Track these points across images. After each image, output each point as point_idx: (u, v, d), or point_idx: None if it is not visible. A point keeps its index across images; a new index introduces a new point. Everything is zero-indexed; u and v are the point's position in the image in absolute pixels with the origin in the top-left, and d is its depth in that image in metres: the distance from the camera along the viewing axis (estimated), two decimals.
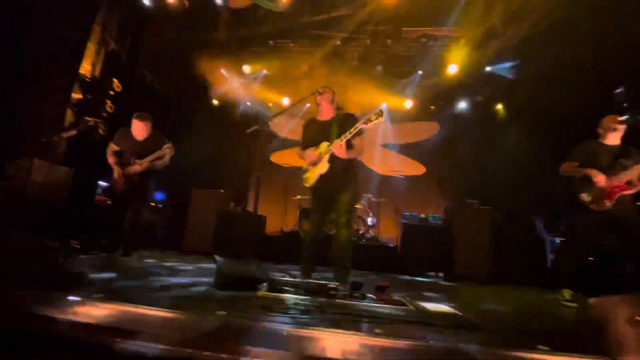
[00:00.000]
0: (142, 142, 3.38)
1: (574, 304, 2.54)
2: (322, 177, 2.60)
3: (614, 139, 2.71)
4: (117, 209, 3.39)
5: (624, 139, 2.70)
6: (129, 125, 3.44)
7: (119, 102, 4.79)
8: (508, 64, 5.76)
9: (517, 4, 4.77)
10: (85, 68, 4.59)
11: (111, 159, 3.39)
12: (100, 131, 4.32)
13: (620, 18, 4.10)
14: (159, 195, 6.14)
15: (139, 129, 3.38)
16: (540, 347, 1.33)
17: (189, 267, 3.13)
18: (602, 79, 4.47)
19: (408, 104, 7.02)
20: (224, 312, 1.38)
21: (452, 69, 6.00)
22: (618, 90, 3.79)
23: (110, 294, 1.52)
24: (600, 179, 2.57)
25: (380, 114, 2.45)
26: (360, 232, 5.77)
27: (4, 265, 1.36)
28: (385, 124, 7.55)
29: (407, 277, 4.17)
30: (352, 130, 2.49)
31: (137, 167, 3.27)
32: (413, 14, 5.42)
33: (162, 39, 5.99)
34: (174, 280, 2.22)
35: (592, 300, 1.33)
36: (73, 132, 3.23)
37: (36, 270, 1.46)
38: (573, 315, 2.18)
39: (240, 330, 1.23)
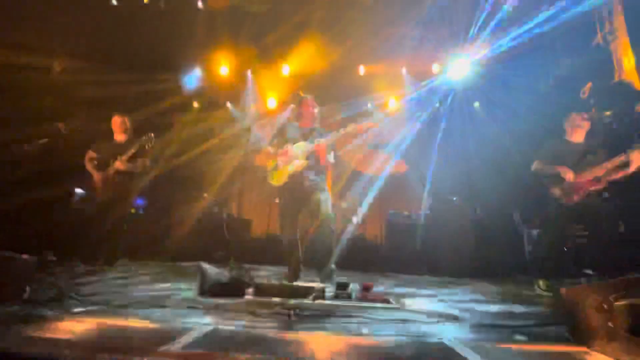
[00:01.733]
0: (122, 145, 3.32)
1: (549, 293, 2.67)
2: (294, 176, 2.57)
3: (578, 136, 2.88)
4: (96, 218, 3.29)
5: (588, 135, 2.87)
6: (105, 131, 3.39)
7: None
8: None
9: None
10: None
11: (89, 165, 3.32)
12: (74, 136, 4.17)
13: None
14: (139, 201, 5.98)
15: (120, 126, 3.35)
16: (518, 337, 1.39)
17: (173, 275, 3.07)
18: (571, 76, 4.70)
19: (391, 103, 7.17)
20: (210, 320, 1.37)
21: (435, 68, 6.20)
22: (584, 88, 3.97)
23: (91, 307, 1.48)
24: (569, 176, 2.75)
25: (375, 123, 2.57)
26: (346, 231, 5.81)
27: None
28: (367, 123, 7.64)
29: (392, 275, 4.23)
30: (342, 130, 2.53)
31: (117, 164, 3.18)
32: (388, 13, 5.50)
33: (138, 37, 5.83)
34: (158, 289, 2.17)
35: (563, 290, 1.40)
36: (44, 140, 3.13)
37: (11, 287, 1.41)
38: (549, 305, 2.28)
39: (227, 337, 1.22)
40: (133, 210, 5.58)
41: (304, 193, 2.62)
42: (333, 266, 2.58)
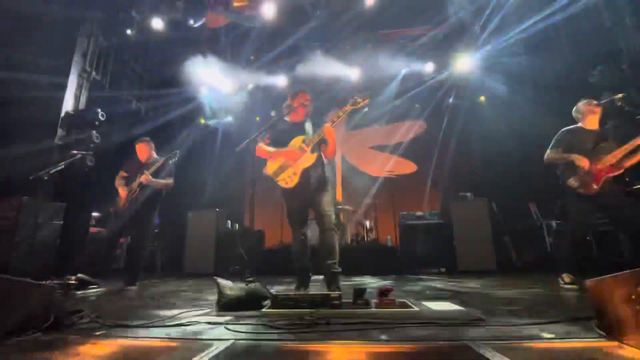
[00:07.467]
0: (147, 163, 3.47)
1: (575, 287, 2.58)
2: (305, 173, 2.41)
3: (592, 122, 2.78)
4: (116, 237, 3.41)
5: (601, 121, 2.77)
6: (115, 153, 3.52)
7: (105, 131, 4.78)
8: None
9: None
10: (68, 101, 4.58)
11: (118, 182, 3.47)
12: (89, 162, 4.30)
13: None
14: (155, 221, 6.09)
15: (141, 151, 3.52)
16: (545, 334, 1.34)
17: (191, 291, 3.10)
18: (579, 62, 4.60)
19: (395, 103, 7.14)
20: (229, 335, 1.37)
21: (430, 67, 6.16)
22: (594, 72, 3.88)
23: (113, 329, 1.50)
24: (584, 163, 2.64)
25: (366, 97, 2.37)
26: (360, 236, 5.78)
27: None
28: (373, 127, 7.63)
29: (410, 276, 4.17)
30: (340, 113, 2.38)
31: (142, 177, 3.28)
32: (388, 17, 5.55)
33: (144, 62, 6.03)
34: (176, 306, 2.19)
35: (588, 282, 1.35)
36: (60, 167, 3.26)
37: (31, 313, 1.44)
38: (574, 299, 2.20)
39: (246, 351, 1.22)
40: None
41: (310, 193, 2.47)
42: (339, 269, 2.49)
